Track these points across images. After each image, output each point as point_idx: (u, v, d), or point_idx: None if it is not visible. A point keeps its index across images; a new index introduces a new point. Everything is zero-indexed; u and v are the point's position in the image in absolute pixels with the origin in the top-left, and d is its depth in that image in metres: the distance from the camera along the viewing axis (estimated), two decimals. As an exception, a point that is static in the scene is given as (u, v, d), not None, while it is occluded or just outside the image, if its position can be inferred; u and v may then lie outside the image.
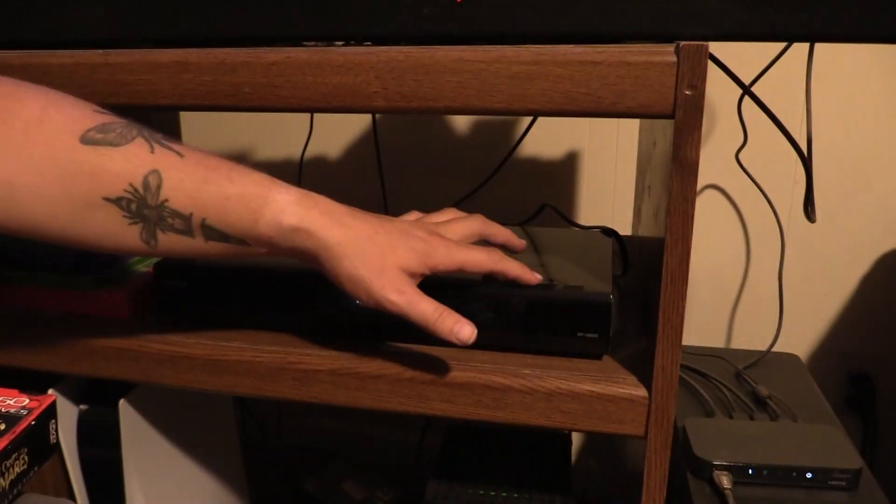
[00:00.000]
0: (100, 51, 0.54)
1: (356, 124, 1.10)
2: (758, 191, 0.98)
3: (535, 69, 0.46)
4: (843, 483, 0.66)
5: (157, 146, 0.47)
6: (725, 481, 0.65)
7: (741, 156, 0.95)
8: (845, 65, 0.94)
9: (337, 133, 1.11)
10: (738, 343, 1.07)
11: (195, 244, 0.49)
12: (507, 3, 0.49)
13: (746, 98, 0.71)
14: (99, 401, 0.70)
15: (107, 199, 0.46)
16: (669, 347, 0.49)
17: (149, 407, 0.73)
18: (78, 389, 0.70)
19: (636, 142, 0.88)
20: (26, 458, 0.45)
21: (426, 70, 0.48)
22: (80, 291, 0.65)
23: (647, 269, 0.62)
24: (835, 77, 0.94)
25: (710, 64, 0.45)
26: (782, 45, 0.79)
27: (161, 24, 0.55)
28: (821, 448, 0.69)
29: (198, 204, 0.47)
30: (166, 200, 0.47)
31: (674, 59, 0.44)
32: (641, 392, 0.51)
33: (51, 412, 0.47)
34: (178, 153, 0.48)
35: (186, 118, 1.10)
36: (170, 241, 0.48)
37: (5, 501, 0.42)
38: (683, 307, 0.48)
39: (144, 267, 0.71)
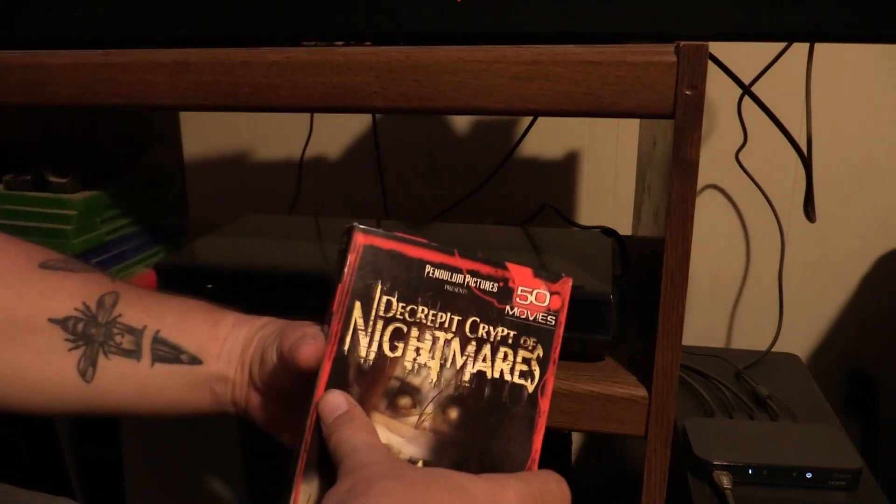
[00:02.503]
0: (100, 51, 0.54)
1: (356, 124, 1.09)
2: (758, 191, 0.98)
3: (535, 69, 0.46)
4: (843, 483, 0.65)
5: (117, 280, 0.46)
6: (725, 481, 0.65)
7: (741, 156, 0.95)
8: (845, 65, 0.94)
9: (337, 133, 1.11)
10: (738, 343, 1.06)
11: (139, 372, 0.43)
12: (507, 3, 0.49)
13: (746, 98, 0.71)
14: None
15: (52, 320, 0.43)
16: (669, 347, 0.49)
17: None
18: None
19: (636, 142, 0.88)
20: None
21: (426, 70, 0.48)
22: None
23: (647, 269, 0.62)
24: (835, 77, 0.94)
25: (710, 64, 0.45)
26: (782, 45, 0.79)
27: (161, 24, 0.55)
28: (821, 448, 0.69)
29: (153, 315, 0.44)
30: (119, 315, 0.44)
31: (674, 59, 0.44)
32: (641, 392, 0.51)
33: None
34: (138, 287, 0.46)
35: (186, 118, 1.10)
36: (109, 370, 0.43)
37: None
38: (683, 307, 0.48)
39: (144, 267, 0.71)
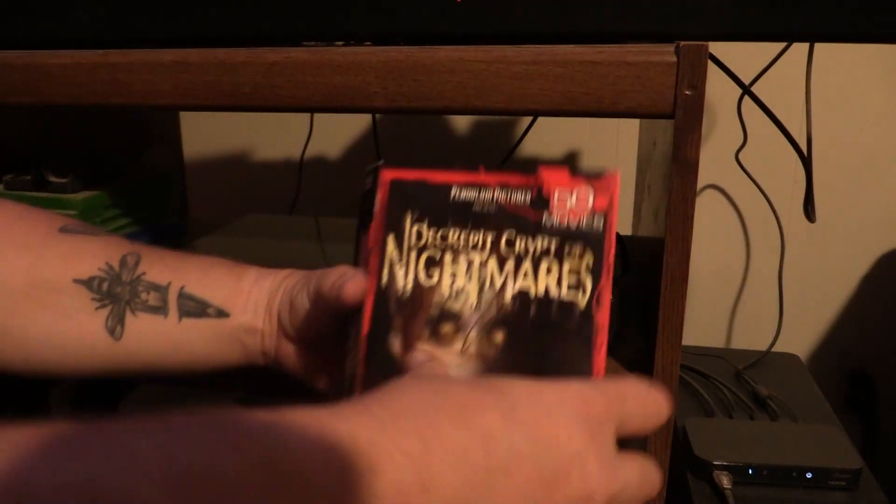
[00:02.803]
0: (100, 51, 0.54)
1: (356, 124, 1.09)
2: (758, 191, 0.98)
3: (535, 69, 0.46)
4: (843, 483, 0.65)
5: (136, 242, 0.46)
6: (725, 481, 0.65)
7: (741, 156, 0.95)
8: (845, 65, 0.94)
9: (337, 133, 1.11)
10: (738, 343, 1.06)
11: (166, 327, 0.44)
12: (507, 3, 0.49)
13: (746, 98, 0.71)
14: (99, 401, 0.70)
15: (76, 281, 0.43)
16: (669, 347, 0.49)
17: (149, 407, 0.73)
18: (78, 390, 0.70)
19: (636, 142, 0.88)
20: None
21: (426, 70, 0.48)
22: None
23: (647, 269, 0.62)
24: (835, 77, 0.94)
25: (710, 64, 0.45)
26: (782, 45, 0.79)
27: (161, 24, 0.55)
28: (821, 448, 0.69)
29: (178, 273, 0.44)
30: (143, 274, 0.44)
31: (674, 59, 0.44)
32: (641, 392, 0.51)
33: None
34: (158, 248, 0.46)
35: (186, 118, 1.10)
36: (138, 328, 0.44)
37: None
38: (683, 307, 0.48)
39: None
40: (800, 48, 0.72)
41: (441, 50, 0.48)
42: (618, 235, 0.74)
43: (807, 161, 0.68)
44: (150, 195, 0.75)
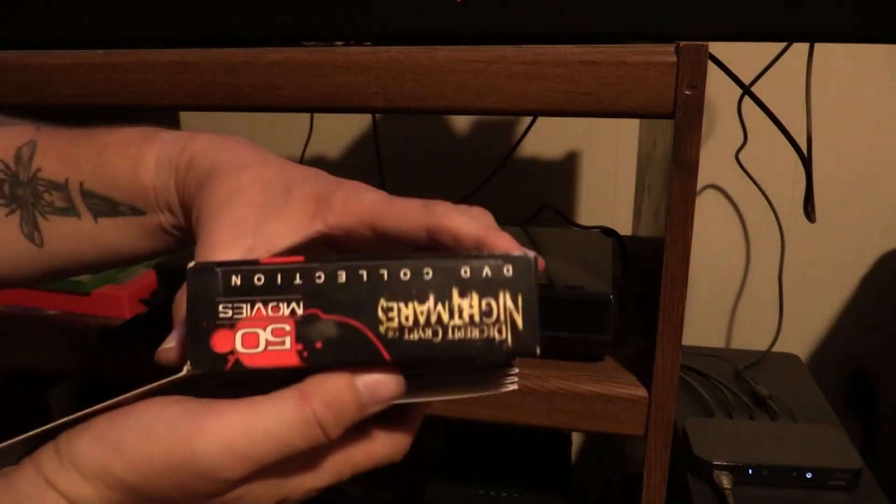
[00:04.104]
0: (100, 51, 0.54)
1: (356, 124, 1.10)
2: (758, 191, 0.98)
3: (535, 69, 0.46)
4: (843, 483, 0.65)
5: (44, 126, 0.40)
6: (725, 481, 0.65)
7: (741, 156, 0.95)
8: (845, 65, 0.94)
9: (337, 133, 1.11)
10: (738, 343, 1.06)
11: (84, 229, 0.39)
12: (507, 3, 0.49)
13: (746, 98, 0.71)
14: (99, 401, 0.70)
15: None
16: (669, 347, 0.49)
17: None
18: (78, 389, 0.70)
19: (636, 142, 0.88)
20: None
21: (426, 70, 0.48)
22: (80, 291, 0.65)
23: (647, 269, 0.62)
24: (835, 77, 0.94)
25: (710, 64, 0.45)
26: (782, 45, 0.79)
27: (161, 24, 0.55)
28: (821, 448, 0.69)
29: (72, 164, 0.38)
30: (39, 170, 0.39)
31: (674, 59, 0.44)
32: (641, 392, 0.51)
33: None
34: (54, 129, 0.40)
35: (186, 118, 1.10)
36: (56, 232, 0.39)
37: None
38: (683, 307, 0.48)
39: (144, 267, 0.71)
40: (800, 48, 0.72)
41: (441, 50, 0.48)
42: (618, 235, 0.74)
43: (807, 161, 0.68)
44: (150, 195, 0.75)
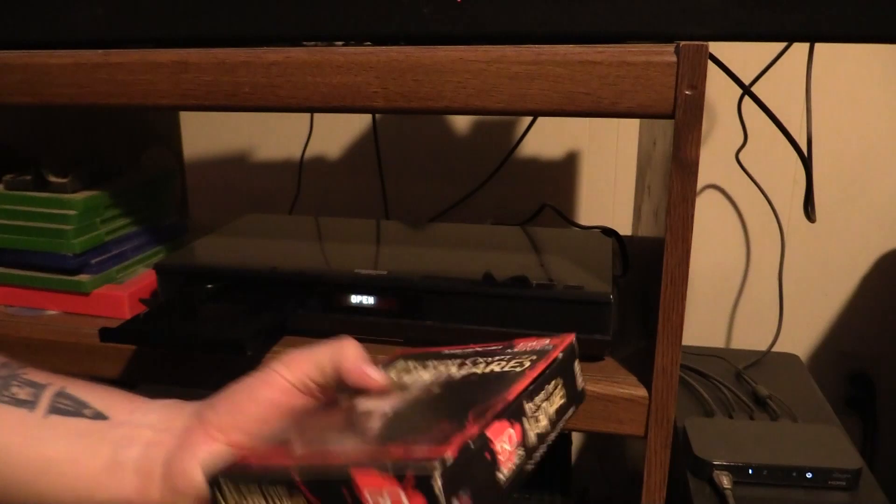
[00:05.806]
0: (100, 51, 0.54)
1: (356, 124, 1.10)
2: (758, 191, 0.98)
3: (535, 69, 0.46)
4: (843, 483, 0.66)
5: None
6: (725, 481, 0.65)
7: (741, 156, 0.95)
8: (845, 65, 0.94)
9: (337, 133, 1.11)
10: (738, 343, 1.07)
11: (27, 421, 0.39)
12: (507, 3, 0.49)
13: (746, 98, 0.71)
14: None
15: None
16: (669, 347, 0.49)
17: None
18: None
19: (636, 142, 0.88)
20: (563, 391, 0.38)
21: (426, 70, 0.48)
22: (80, 291, 0.65)
23: (647, 269, 0.62)
24: (835, 77, 0.94)
25: (710, 64, 0.45)
26: (782, 45, 0.79)
27: (161, 24, 0.55)
28: (821, 448, 0.69)
29: (62, 379, 0.41)
30: (24, 372, 0.41)
31: (674, 59, 0.44)
32: (641, 392, 0.51)
33: (573, 352, 0.39)
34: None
35: (186, 118, 1.10)
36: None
37: (553, 434, 0.36)
38: (683, 307, 0.48)
39: (144, 267, 0.71)
40: (800, 48, 0.72)
41: (441, 50, 0.48)
42: (618, 235, 0.74)
43: (807, 161, 0.68)
44: (150, 195, 0.75)
